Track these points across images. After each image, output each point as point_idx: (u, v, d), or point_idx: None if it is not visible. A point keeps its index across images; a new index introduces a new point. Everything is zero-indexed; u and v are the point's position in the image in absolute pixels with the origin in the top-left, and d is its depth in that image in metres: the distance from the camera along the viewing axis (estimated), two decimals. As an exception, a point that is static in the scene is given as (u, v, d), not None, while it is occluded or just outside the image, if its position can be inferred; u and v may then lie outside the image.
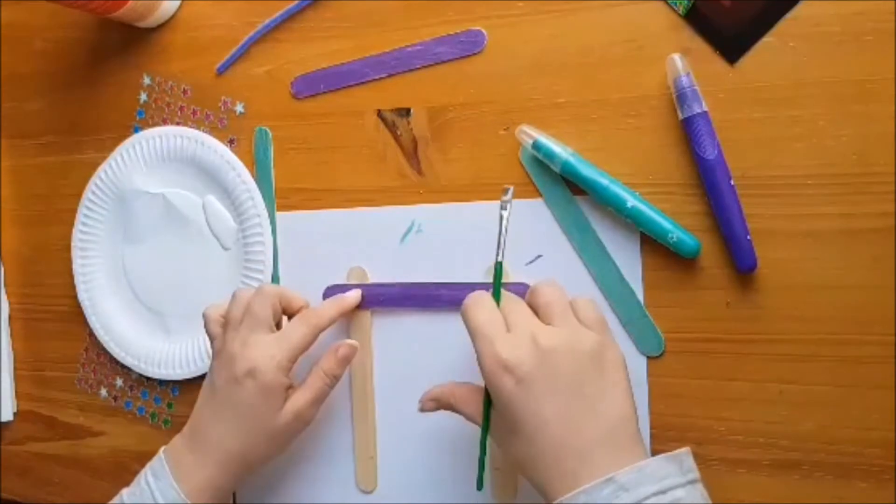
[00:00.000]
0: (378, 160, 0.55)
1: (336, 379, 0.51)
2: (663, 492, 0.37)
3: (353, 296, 0.54)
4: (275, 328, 0.51)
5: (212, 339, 0.52)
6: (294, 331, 0.50)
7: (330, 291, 0.56)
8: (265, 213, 0.57)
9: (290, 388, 0.49)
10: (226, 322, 0.51)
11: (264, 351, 0.48)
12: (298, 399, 0.49)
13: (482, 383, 0.43)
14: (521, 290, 0.51)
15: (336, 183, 0.56)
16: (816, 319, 0.45)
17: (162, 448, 0.51)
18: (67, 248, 0.64)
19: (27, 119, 0.66)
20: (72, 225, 0.63)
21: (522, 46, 0.51)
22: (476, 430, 0.45)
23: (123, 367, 0.63)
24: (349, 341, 0.52)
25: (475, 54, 0.52)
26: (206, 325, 0.52)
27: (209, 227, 0.59)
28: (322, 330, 0.51)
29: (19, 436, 0.68)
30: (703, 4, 0.47)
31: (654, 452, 0.48)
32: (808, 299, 0.45)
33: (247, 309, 0.50)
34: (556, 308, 0.42)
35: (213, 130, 0.59)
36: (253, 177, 0.58)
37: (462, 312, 0.44)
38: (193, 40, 0.60)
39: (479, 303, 0.43)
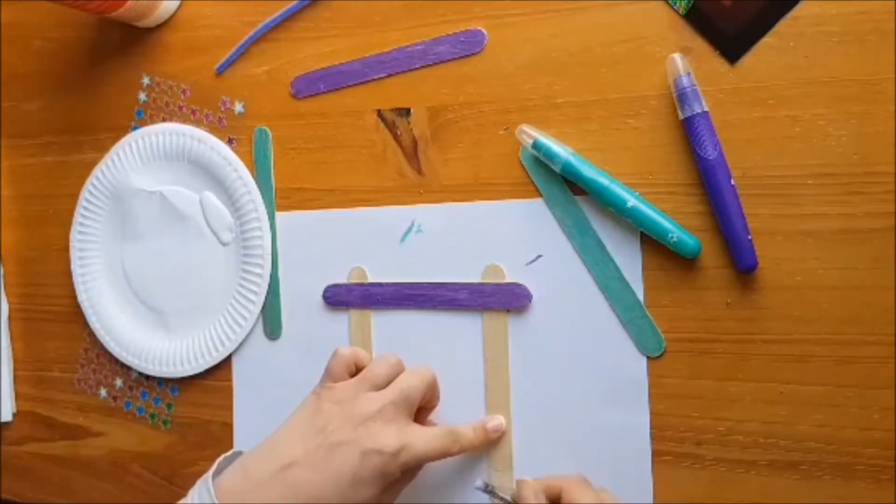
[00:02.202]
0: (378, 160, 0.55)
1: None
2: None
3: (497, 426, 0.51)
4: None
5: (333, 377, 0.50)
6: (436, 442, 0.47)
7: (330, 291, 0.56)
8: (262, 208, 0.57)
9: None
10: (363, 376, 0.49)
11: (405, 441, 0.46)
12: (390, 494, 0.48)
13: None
14: (518, 290, 0.51)
15: (336, 183, 0.56)
16: (816, 319, 0.45)
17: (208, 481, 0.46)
18: (67, 248, 0.64)
19: (26, 119, 0.66)
20: (71, 225, 0.63)
21: (522, 46, 0.51)
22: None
23: (123, 367, 0.63)
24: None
25: (475, 54, 0.52)
26: (334, 362, 0.50)
27: (207, 222, 0.59)
28: (456, 455, 0.49)
29: (19, 436, 0.68)
30: (703, 4, 0.47)
31: (654, 453, 0.48)
32: (809, 299, 0.45)
33: (399, 385, 0.48)
34: None
35: (213, 130, 0.59)
36: (253, 177, 0.58)
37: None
38: (193, 40, 0.60)
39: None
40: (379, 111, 0.54)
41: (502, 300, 0.51)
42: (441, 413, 0.53)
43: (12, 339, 0.67)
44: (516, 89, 0.51)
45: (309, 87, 0.56)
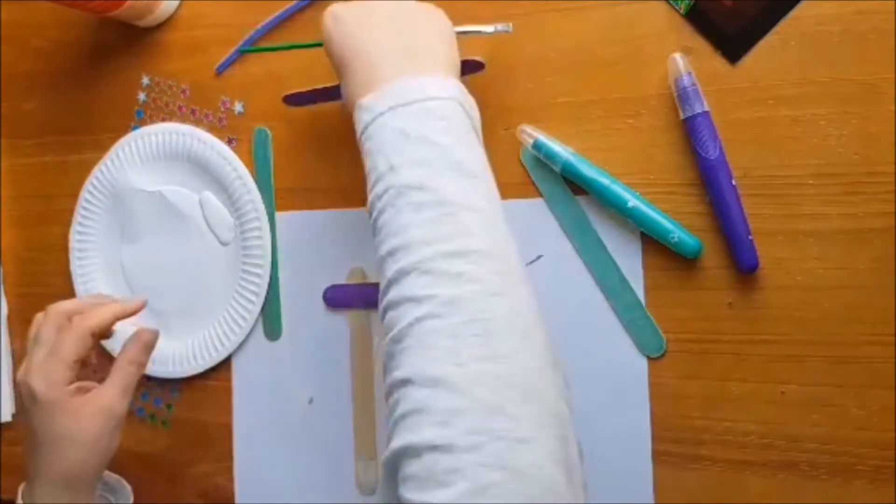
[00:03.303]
0: (378, 160, 0.54)
1: (141, 367, 0.51)
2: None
3: (135, 304, 0.53)
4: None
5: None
6: (63, 342, 0.49)
7: (330, 291, 0.56)
8: (262, 208, 0.57)
9: (80, 391, 0.49)
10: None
11: (37, 372, 0.48)
12: (104, 396, 0.49)
13: None
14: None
15: (336, 183, 0.56)
16: (817, 319, 0.45)
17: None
18: (67, 248, 0.64)
19: (26, 119, 0.66)
20: (70, 225, 0.63)
21: (522, 46, 0.51)
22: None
23: (123, 367, 0.63)
24: (151, 329, 0.53)
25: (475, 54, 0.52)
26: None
27: (207, 222, 0.59)
28: (94, 333, 0.50)
29: (19, 436, 0.68)
30: (704, 4, 0.47)
31: (654, 453, 0.48)
32: (809, 299, 0.45)
33: (34, 336, 0.50)
34: None
35: (213, 130, 0.59)
36: (253, 177, 0.58)
37: None
38: (192, 40, 0.60)
39: None
40: (379, 111, 0.54)
41: (502, 300, 0.51)
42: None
43: (12, 339, 0.67)
44: (516, 89, 0.51)
45: (300, 101, 0.55)
